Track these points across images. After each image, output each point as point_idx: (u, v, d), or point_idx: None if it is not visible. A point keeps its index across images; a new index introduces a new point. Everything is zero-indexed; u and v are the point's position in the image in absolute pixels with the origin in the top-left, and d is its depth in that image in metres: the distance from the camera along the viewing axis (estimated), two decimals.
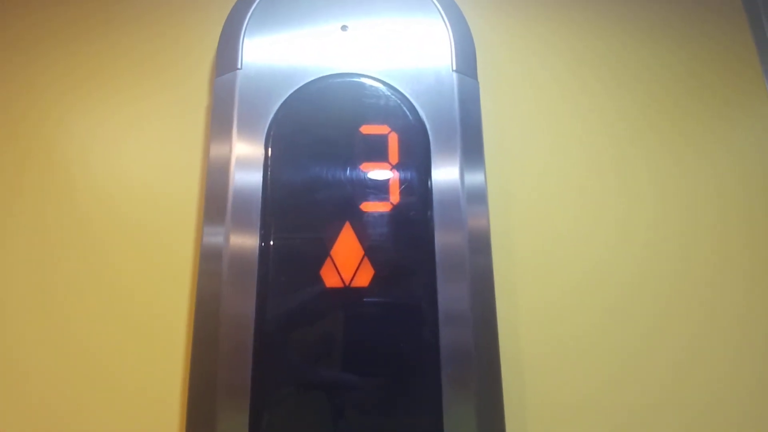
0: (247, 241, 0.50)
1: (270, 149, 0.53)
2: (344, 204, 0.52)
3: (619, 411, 0.55)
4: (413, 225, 0.52)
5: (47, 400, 0.52)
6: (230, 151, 0.53)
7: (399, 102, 0.56)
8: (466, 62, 0.59)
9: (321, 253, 0.51)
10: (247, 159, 0.53)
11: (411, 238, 0.52)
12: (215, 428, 0.46)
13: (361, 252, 0.51)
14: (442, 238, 0.52)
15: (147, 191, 0.60)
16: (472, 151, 0.56)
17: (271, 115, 0.54)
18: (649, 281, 0.59)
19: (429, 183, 0.53)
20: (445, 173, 0.54)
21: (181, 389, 0.52)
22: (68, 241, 0.57)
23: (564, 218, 0.61)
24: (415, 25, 0.60)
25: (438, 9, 0.60)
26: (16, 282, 0.56)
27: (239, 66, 0.56)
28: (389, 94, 0.56)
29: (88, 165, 0.61)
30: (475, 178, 0.55)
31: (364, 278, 0.50)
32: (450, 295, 0.50)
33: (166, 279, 0.56)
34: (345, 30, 0.59)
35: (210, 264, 0.50)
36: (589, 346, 0.56)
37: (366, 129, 0.55)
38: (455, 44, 0.59)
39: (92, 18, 0.67)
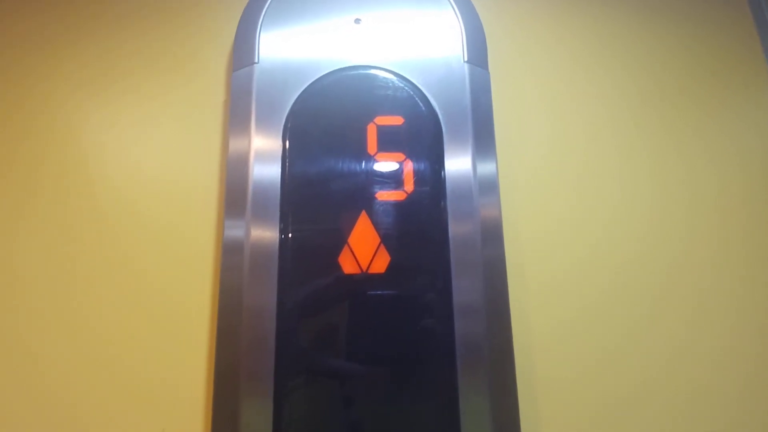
0: (267, 233, 0.51)
1: (288, 142, 0.54)
2: (360, 193, 0.53)
3: (627, 390, 0.55)
4: (427, 212, 0.53)
5: (72, 394, 0.53)
6: (249, 144, 0.54)
7: (412, 93, 0.57)
8: (477, 53, 0.60)
9: (339, 241, 0.51)
10: (265, 152, 0.54)
11: (425, 224, 0.53)
12: (240, 416, 0.47)
13: (378, 239, 0.52)
14: (455, 223, 0.52)
15: (167, 186, 0.60)
16: (483, 140, 0.56)
17: (288, 108, 0.55)
18: (656, 265, 0.60)
19: (442, 172, 0.54)
20: (457, 162, 0.54)
21: (206, 379, 0.53)
22: (89, 238, 0.58)
23: (570, 206, 0.61)
24: (427, 17, 0.60)
25: (449, 0, 0.61)
26: (38, 278, 0.57)
27: (256, 60, 0.57)
28: (402, 85, 0.57)
29: (108, 161, 0.62)
30: (486, 166, 0.56)
31: (380, 265, 0.51)
32: (464, 279, 0.51)
33: (188, 273, 0.57)
34: (358, 23, 0.60)
35: (232, 256, 0.51)
36: (598, 330, 0.57)
37: (380, 120, 0.56)
38: (466, 35, 0.59)
39: (109, 14, 0.68)
